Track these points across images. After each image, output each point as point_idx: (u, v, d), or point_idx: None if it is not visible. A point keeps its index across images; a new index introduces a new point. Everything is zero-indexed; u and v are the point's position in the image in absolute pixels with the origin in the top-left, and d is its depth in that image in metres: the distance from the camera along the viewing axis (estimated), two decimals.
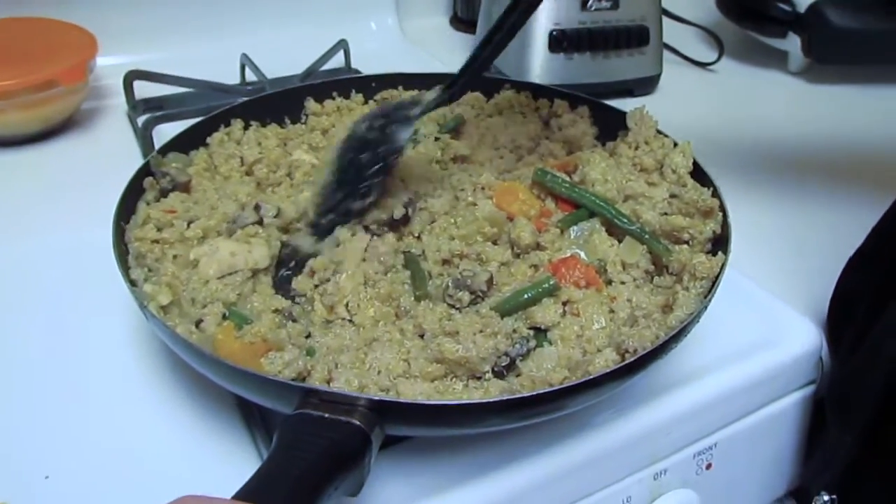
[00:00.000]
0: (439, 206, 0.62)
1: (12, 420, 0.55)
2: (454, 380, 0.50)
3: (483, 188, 0.64)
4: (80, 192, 0.78)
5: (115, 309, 0.62)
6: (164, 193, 0.64)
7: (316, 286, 0.57)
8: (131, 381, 0.57)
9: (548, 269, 0.57)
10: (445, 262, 0.58)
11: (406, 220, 0.61)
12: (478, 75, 0.66)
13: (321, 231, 0.61)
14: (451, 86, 0.64)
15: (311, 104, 0.77)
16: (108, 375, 0.58)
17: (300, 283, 0.57)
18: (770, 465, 0.67)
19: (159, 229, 0.59)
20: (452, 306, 0.54)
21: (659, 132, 0.69)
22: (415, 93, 0.79)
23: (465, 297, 0.54)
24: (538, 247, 0.59)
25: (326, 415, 0.42)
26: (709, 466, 0.61)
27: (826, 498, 0.61)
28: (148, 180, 0.64)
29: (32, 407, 0.56)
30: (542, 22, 0.96)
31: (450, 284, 0.55)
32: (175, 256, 0.58)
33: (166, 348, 0.57)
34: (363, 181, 0.61)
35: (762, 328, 0.64)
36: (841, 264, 0.64)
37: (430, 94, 0.64)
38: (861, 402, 0.58)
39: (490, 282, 0.55)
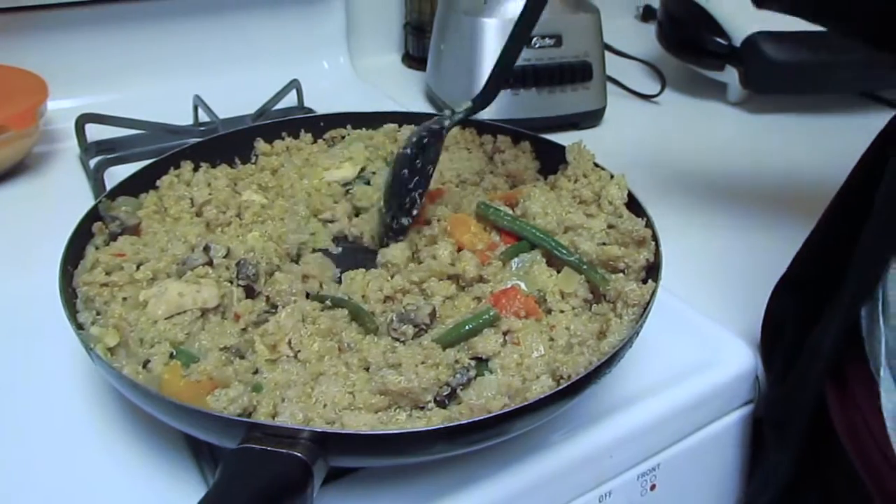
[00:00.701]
0: (393, 255, 0.64)
1: None
2: (398, 410, 0.51)
3: (438, 220, 0.67)
4: (31, 236, 0.78)
5: (64, 352, 0.62)
6: (113, 237, 0.65)
7: (244, 329, 0.58)
8: (80, 422, 0.58)
9: (489, 300, 0.59)
10: (388, 299, 0.59)
11: None
12: (502, 83, 0.71)
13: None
14: (479, 96, 0.70)
15: (260, 144, 0.78)
16: (57, 418, 0.58)
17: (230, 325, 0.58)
18: (714, 484, 0.69)
19: (108, 273, 0.60)
20: (397, 339, 0.56)
21: (596, 165, 0.71)
22: (363, 131, 0.81)
23: (409, 330, 0.56)
24: (481, 279, 0.61)
25: (269, 448, 0.44)
26: (653, 487, 0.63)
27: None
28: (97, 225, 0.65)
29: None
30: (490, 59, 0.99)
31: (394, 319, 0.57)
32: (124, 299, 0.59)
33: (115, 390, 0.57)
34: (408, 194, 0.66)
35: (699, 351, 0.66)
36: (769, 287, 0.67)
37: (461, 107, 0.69)
38: (794, 422, 0.60)
39: (433, 314, 0.57)
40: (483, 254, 0.62)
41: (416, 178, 0.66)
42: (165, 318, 0.56)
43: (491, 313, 0.56)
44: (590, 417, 0.59)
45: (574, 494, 0.59)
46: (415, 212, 0.66)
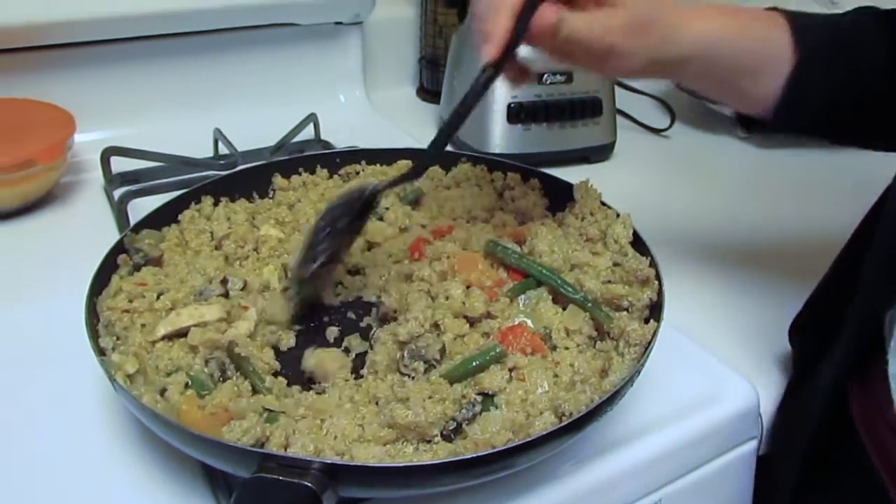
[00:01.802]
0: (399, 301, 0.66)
1: None
2: (405, 444, 0.53)
3: (448, 257, 0.68)
4: (57, 265, 0.81)
5: (84, 379, 0.64)
6: (137, 268, 0.68)
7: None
8: (99, 447, 0.60)
9: (497, 337, 0.61)
10: (403, 343, 0.61)
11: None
12: (440, 153, 0.68)
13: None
14: (417, 166, 0.69)
15: (278, 179, 0.81)
16: (76, 442, 0.60)
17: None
18: None
19: (130, 300, 0.63)
20: (406, 375, 0.58)
21: (603, 203, 0.73)
22: (377, 167, 0.84)
23: (420, 366, 0.58)
24: (489, 315, 0.63)
25: (281, 477, 0.46)
26: None
27: None
28: (122, 256, 0.68)
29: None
30: (501, 95, 1.02)
31: (405, 355, 0.59)
32: (143, 326, 0.61)
33: (133, 416, 0.60)
34: (318, 244, 0.66)
35: (702, 386, 0.67)
36: (777, 327, 0.69)
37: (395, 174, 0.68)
38: (804, 424, 0.64)
39: (443, 351, 0.59)
40: (491, 290, 0.64)
41: (328, 232, 0.66)
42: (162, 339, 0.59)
43: (497, 350, 0.58)
44: (594, 451, 0.61)
45: None
46: (314, 264, 0.65)
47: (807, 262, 0.83)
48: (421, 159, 0.68)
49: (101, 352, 0.58)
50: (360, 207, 0.67)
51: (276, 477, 0.46)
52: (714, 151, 1.17)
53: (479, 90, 0.62)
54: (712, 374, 0.69)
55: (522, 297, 0.64)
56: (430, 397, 0.54)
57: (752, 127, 1.14)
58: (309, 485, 0.46)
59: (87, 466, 0.58)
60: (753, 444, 0.69)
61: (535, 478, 0.58)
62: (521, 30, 0.59)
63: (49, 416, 0.63)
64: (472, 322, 0.62)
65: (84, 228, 0.90)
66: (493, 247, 0.67)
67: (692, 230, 0.92)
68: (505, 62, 0.60)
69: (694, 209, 0.98)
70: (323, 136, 1.06)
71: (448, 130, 0.65)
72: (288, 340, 0.65)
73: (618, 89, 1.12)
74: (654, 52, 0.62)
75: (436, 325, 0.61)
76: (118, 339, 0.60)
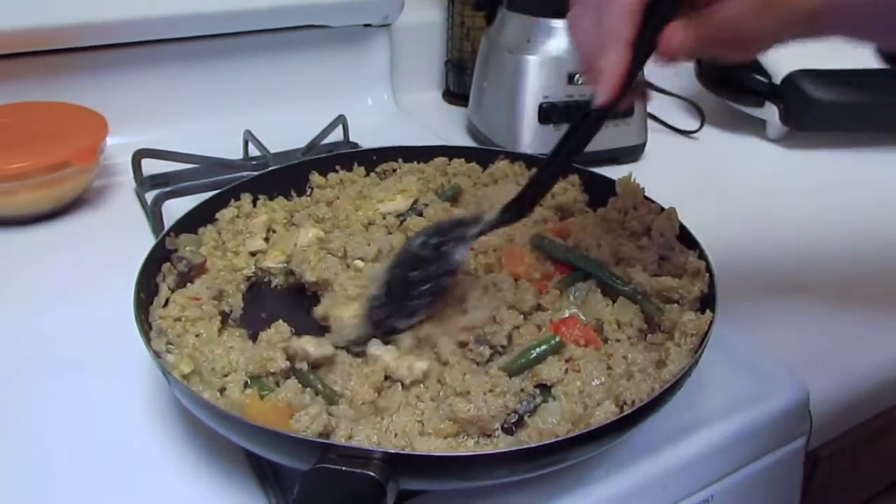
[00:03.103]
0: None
1: (34, 480, 0.57)
2: (466, 438, 0.53)
3: (494, 249, 0.68)
4: (94, 266, 0.81)
5: (135, 380, 0.64)
6: (181, 276, 0.67)
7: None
8: (147, 449, 0.59)
9: (550, 328, 0.60)
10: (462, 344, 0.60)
11: None
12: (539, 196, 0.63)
13: (361, 342, 0.61)
14: (511, 207, 0.62)
15: (315, 177, 0.81)
16: (125, 442, 0.60)
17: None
18: None
19: (183, 309, 0.63)
20: (473, 360, 0.58)
21: (646, 198, 0.73)
22: (414, 164, 0.84)
23: (486, 351, 0.58)
24: (540, 307, 0.63)
25: (344, 468, 0.45)
26: None
27: None
28: (165, 266, 0.67)
29: (51, 470, 0.58)
30: (532, 95, 1.01)
31: (472, 340, 0.59)
32: (197, 335, 0.61)
33: (180, 416, 0.60)
34: (412, 299, 0.61)
35: (751, 383, 0.66)
36: (819, 322, 0.68)
37: (490, 216, 0.62)
38: None
39: (510, 338, 0.59)
40: (540, 283, 0.64)
41: (425, 286, 0.60)
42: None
43: (556, 340, 0.57)
44: (644, 447, 0.60)
45: None
46: (414, 319, 0.60)
47: (844, 262, 0.83)
48: (517, 206, 0.61)
49: (155, 353, 0.57)
50: (450, 255, 0.61)
51: (339, 467, 0.45)
52: (744, 153, 1.17)
53: (589, 134, 0.57)
54: (761, 371, 0.68)
55: (572, 289, 0.64)
56: (490, 391, 0.53)
57: (796, 122, 1.12)
58: (373, 474, 0.45)
59: (135, 465, 0.58)
60: (802, 440, 0.68)
61: (584, 474, 0.57)
62: (640, 62, 0.51)
63: (98, 416, 0.62)
64: (525, 315, 0.62)
65: (118, 230, 0.90)
66: (540, 240, 0.67)
67: (728, 230, 0.91)
68: (620, 99, 0.53)
69: (726, 210, 0.97)
70: (351, 139, 1.06)
71: (547, 179, 0.61)
72: None
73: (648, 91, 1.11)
74: (786, 19, 0.53)
75: (492, 318, 0.60)
76: (169, 342, 0.60)
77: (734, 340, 0.71)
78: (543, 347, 0.57)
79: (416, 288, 0.61)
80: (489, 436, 0.52)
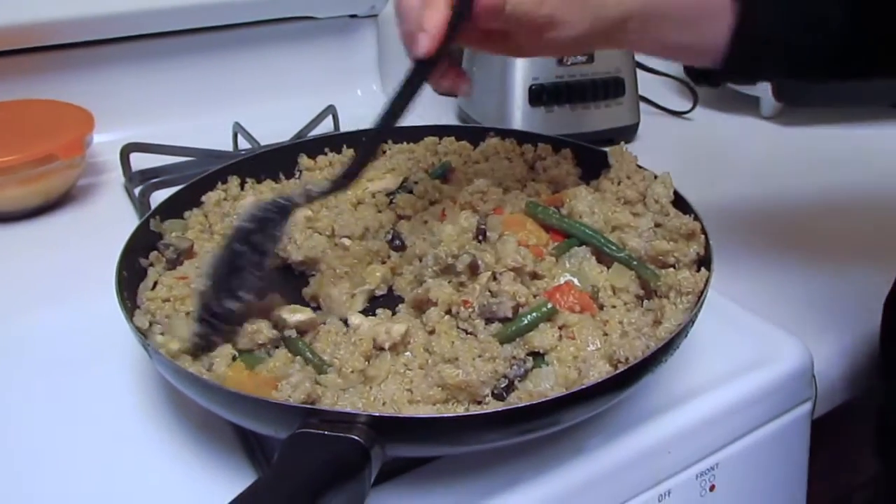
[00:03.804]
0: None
1: (21, 464, 0.56)
2: (456, 405, 0.51)
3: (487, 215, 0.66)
4: (82, 262, 0.79)
5: (121, 373, 0.63)
6: (170, 262, 0.66)
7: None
8: (138, 436, 0.58)
9: (544, 296, 0.59)
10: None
11: None
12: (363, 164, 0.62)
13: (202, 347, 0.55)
14: (337, 179, 0.61)
15: (304, 160, 0.80)
16: (115, 434, 0.59)
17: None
18: (774, 487, 0.68)
19: (169, 290, 0.62)
20: (465, 331, 0.56)
21: (639, 167, 0.72)
22: (404, 145, 0.82)
23: (481, 325, 0.56)
24: (535, 275, 0.61)
25: (326, 432, 0.44)
26: (712, 488, 0.62)
27: None
28: (153, 254, 0.66)
29: (40, 453, 0.57)
30: (522, 77, 1.00)
31: (476, 310, 0.57)
32: (187, 313, 0.59)
33: (171, 404, 0.59)
34: (237, 273, 0.57)
35: (754, 348, 0.65)
36: (821, 287, 0.68)
37: (317, 187, 0.61)
38: None
39: (516, 309, 0.57)
40: (536, 248, 0.62)
41: (253, 256, 0.57)
42: None
43: (548, 307, 0.56)
44: (647, 412, 0.58)
45: (634, 492, 0.58)
46: (244, 295, 0.56)
47: (842, 231, 0.82)
48: (342, 175, 0.60)
49: (137, 328, 0.56)
50: (274, 223, 0.59)
51: (321, 432, 0.44)
52: (738, 132, 1.15)
53: (410, 92, 0.57)
54: (764, 336, 0.66)
55: (566, 256, 0.62)
56: (479, 356, 0.52)
57: (788, 98, 1.11)
58: (356, 438, 0.43)
59: (126, 452, 0.57)
60: (808, 406, 0.66)
61: (585, 441, 0.56)
62: (460, 15, 0.54)
63: (89, 410, 0.61)
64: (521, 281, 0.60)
65: (107, 225, 0.87)
66: (534, 207, 0.66)
67: (725, 207, 0.90)
68: (440, 59, 0.56)
69: (723, 187, 0.96)
70: (341, 129, 1.05)
71: (371, 146, 0.62)
72: None
73: (640, 73, 1.10)
74: (593, 16, 0.58)
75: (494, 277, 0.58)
76: (157, 323, 0.58)
77: (734, 306, 0.70)
78: (535, 314, 0.55)
79: (241, 259, 0.57)
80: (479, 402, 0.51)
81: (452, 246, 0.60)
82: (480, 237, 0.63)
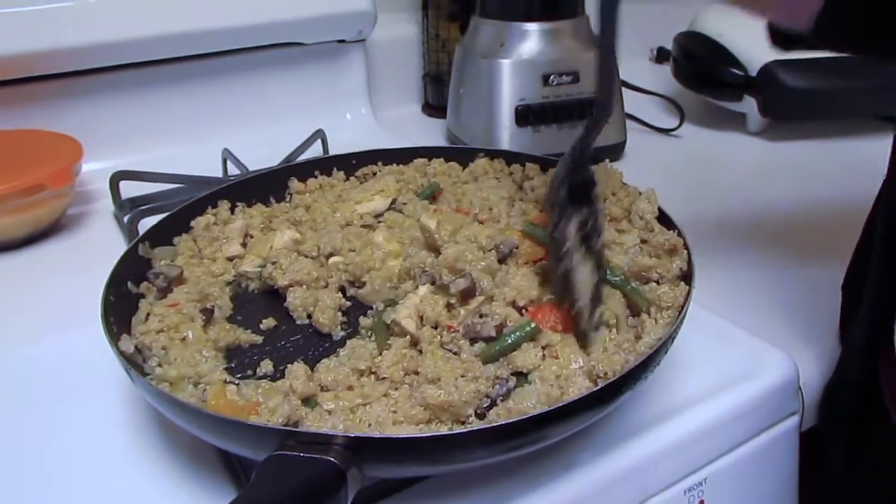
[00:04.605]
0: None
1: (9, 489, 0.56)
2: (439, 425, 0.51)
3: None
4: (72, 290, 0.78)
5: (114, 404, 0.63)
6: (161, 291, 0.66)
7: None
8: (122, 459, 0.58)
9: (528, 315, 0.59)
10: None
11: None
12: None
13: None
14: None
15: (294, 183, 0.81)
16: (99, 454, 0.58)
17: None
18: (765, 501, 0.68)
19: (162, 320, 0.61)
20: (450, 351, 0.56)
21: (624, 183, 0.72)
22: (394, 167, 0.83)
23: (465, 344, 0.56)
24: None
25: (302, 454, 0.43)
26: (701, 503, 0.62)
27: None
28: (144, 285, 0.66)
29: (29, 482, 0.56)
30: (508, 97, 1.01)
31: (461, 331, 0.57)
32: (182, 339, 0.60)
33: (156, 423, 0.59)
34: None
35: (740, 362, 0.65)
36: (806, 302, 0.70)
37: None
38: (843, 404, 0.62)
39: (500, 329, 0.57)
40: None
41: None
42: None
43: (531, 326, 0.56)
44: (633, 428, 0.58)
45: None
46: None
47: (827, 244, 0.82)
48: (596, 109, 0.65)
49: (120, 353, 0.56)
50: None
51: (296, 454, 0.44)
52: (725, 148, 1.16)
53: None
54: (749, 350, 0.67)
55: None
56: (462, 376, 0.52)
57: (774, 113, 1.13)
58: (332, 460, 0.43)
59: (115, 480, 0.57)
60: (795, 419, 0.67)
61: (572, 457, 0.56)
62: None
63: (80, 439, 0.60)
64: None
65: (96, 254, 0.85)
66: (532, 228, 0.66)
67: (711, 222, 0.91)
68: None
69: (710, 203, 0.97)
70: (331, 153, 1.05)
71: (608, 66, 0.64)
72: None
73: (626, 91, 1.12)
74: None
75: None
76: (148, 358, 0.59)
77: (719, 320, 0.70)
78: (519, 334, 0.55)
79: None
80: (463, 423, 0.51)
81: (467, 257, 0.60)
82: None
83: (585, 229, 0.60)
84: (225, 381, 0.55)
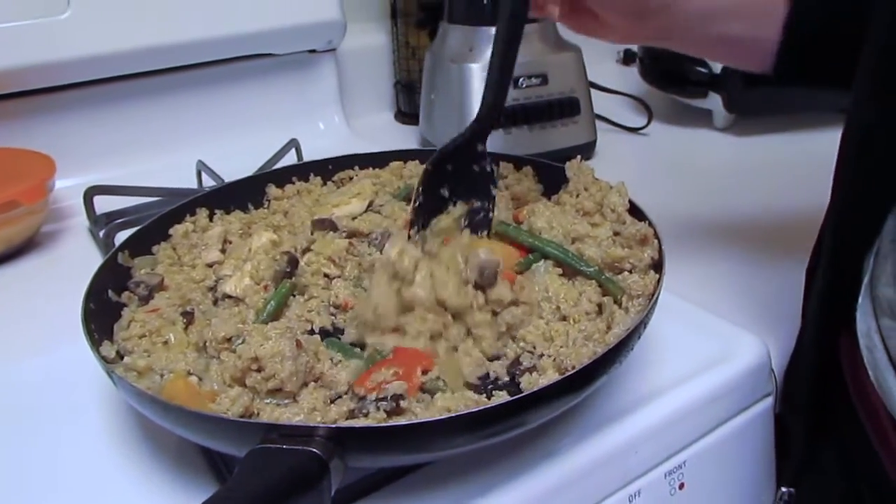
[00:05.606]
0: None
1: None
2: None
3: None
4: (48, 306, 0.77)
5: (101, 420, 0.62)
6: (143, 300, 0.66)
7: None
8: (108, 468, 0.58)
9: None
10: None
11: None
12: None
13: None
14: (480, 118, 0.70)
15: (272, 190, 0.81)
16: (86, 467, 0.58)
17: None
18: (742, 482, 0.69)
19: (144, 325, 0.62)
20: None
21: (596, 179, 0.74)
22: (370, 170, 0.84)
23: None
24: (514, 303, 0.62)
25: (284, 446, 0.44)
26: (682, 486, 0.63)
27: (784, 490, 0.63)
28: (125, 294, 0.67)
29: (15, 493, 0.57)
30: (479, 101, 1.02)
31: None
32: (165, 342, 0.60)
33: (141, 430, 0.59)
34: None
35: (713, 347, 0.67)
36: (771, 287, 0.74)
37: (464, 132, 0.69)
38: (802, 380, 0.64)
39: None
40: (508, 274, 0.63)
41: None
42: None
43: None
44: (612, 414, 0.60)
45: (604, 493, 0.59)
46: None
47: (794, 232, 0.84)
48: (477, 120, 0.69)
49: (102, 357, 0.56)
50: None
51: (279, 446, 0.44)
52: (694, 144, 1.19)
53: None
54: (722, 335, 0.68)
55: (531, 270, 0.65)
56: None
57: (739, 108, 1.15)
58: (314, 450, 0.44)
59: (101, 489, 0.56)
60: (770, 400, 0.68)
61: (552, 444, 0.57)
62: None
63: (65, 454, 0.60)
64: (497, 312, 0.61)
65: (72, 270, 0.84)
66: (505, 227, 0.67)
67: (681, 214, 0.92)
68: None
69: (679, 196, 0.98)
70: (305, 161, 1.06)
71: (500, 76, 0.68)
72: None
73: (594, 92, 1.13)
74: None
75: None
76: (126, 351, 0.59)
77: (692, 307, 0.72)
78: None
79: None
80: None
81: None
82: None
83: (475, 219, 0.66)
84: (188, 373, 0.56)
